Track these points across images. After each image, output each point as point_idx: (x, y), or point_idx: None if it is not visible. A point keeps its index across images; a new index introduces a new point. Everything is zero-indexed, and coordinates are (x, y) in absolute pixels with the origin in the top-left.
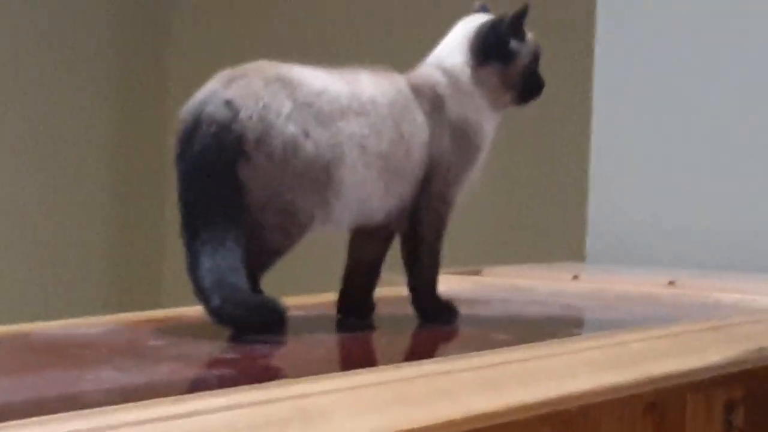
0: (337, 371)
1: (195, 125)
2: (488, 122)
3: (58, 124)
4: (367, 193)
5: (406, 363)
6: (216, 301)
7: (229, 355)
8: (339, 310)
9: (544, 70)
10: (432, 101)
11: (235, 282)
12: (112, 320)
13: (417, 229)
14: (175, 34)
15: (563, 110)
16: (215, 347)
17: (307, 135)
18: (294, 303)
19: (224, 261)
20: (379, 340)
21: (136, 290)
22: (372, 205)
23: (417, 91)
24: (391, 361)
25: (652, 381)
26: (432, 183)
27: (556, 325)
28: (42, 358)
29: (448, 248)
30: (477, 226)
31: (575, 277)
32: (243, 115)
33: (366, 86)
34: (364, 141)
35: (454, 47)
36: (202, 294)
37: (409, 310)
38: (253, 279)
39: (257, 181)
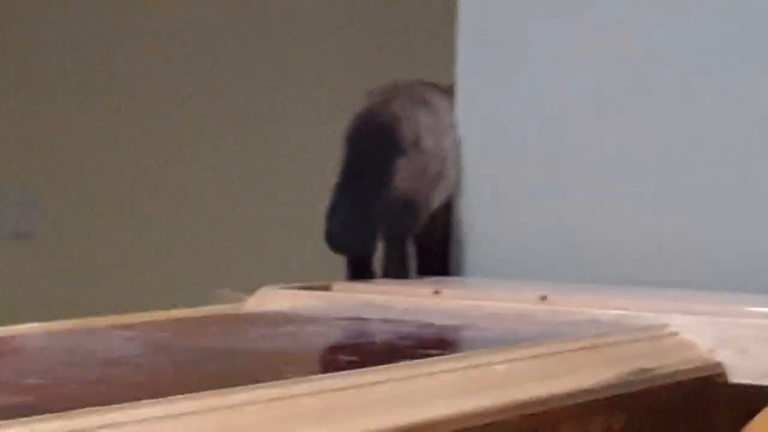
0: (153, 398)
1: (365, 123)
2: None
3: None
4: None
5: (236, 388)
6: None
7: (31, 382)
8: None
9: None
10: None
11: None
12: None
13: None
14: None
15: None
16: (17, 373)
17: (437, 144)
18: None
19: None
20: (210, 361)
21: None
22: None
23: None
24: (217, 385)
25: (518, 407)
26: None
27: (410, 346)
28: None
29: (294, 260)
30: None
31: (436, 292)
32: (403, 124)
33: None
34: (458, 143)
35: None
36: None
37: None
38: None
39: (406, 172)
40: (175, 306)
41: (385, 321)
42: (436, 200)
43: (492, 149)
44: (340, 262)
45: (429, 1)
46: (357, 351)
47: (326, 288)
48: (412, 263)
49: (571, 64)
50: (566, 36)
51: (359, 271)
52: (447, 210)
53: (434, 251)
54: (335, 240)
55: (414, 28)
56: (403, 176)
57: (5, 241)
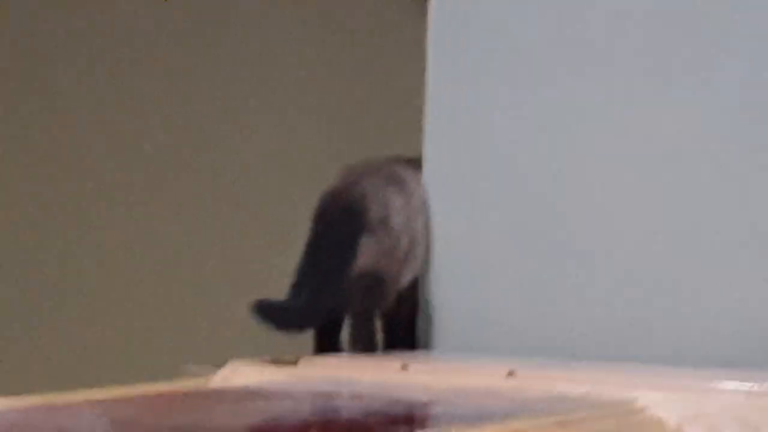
0: None
1: (333, 202)
2: None
3: None
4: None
5: None
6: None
7: None
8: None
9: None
10: None
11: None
12: None
13: None
14: None
15: None
16: None
17: (407, 224)
18: None
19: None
20: None
21: None
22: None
23: None
24: None
25: None
26: None
27: (378, 423)
28: None
29: (262, 335)
30: None
31: (404, 367)
32: (371, 204)
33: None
34: (428, 224)
35: None
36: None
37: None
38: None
39: (373, 251)
40: (145, 379)
41: (353, 397)
42: (405, 277)
43: (459, 223)
44: (308, 335)
45: (406, 68)
46: (325, 428)
47: (294, 362)
48: (379, 338)
49: (541, 134)
50: (534, 107)
51: (326, 345)
52: (415, 285)
53: (402, 326)
54: (298, 317)
55: (391, 100)
56: (370, 254)
57: None
